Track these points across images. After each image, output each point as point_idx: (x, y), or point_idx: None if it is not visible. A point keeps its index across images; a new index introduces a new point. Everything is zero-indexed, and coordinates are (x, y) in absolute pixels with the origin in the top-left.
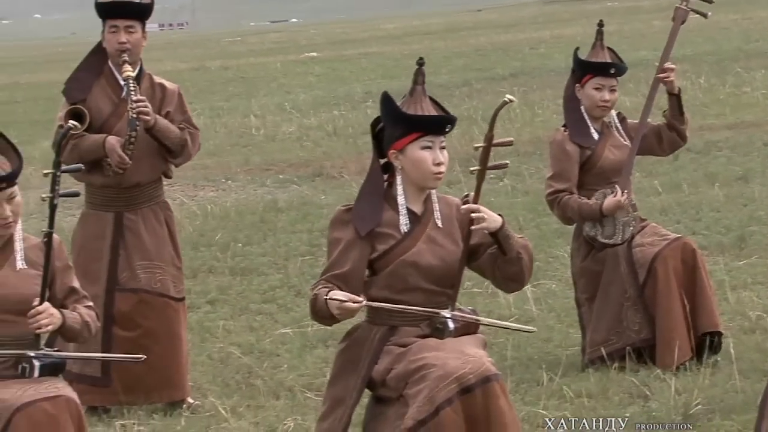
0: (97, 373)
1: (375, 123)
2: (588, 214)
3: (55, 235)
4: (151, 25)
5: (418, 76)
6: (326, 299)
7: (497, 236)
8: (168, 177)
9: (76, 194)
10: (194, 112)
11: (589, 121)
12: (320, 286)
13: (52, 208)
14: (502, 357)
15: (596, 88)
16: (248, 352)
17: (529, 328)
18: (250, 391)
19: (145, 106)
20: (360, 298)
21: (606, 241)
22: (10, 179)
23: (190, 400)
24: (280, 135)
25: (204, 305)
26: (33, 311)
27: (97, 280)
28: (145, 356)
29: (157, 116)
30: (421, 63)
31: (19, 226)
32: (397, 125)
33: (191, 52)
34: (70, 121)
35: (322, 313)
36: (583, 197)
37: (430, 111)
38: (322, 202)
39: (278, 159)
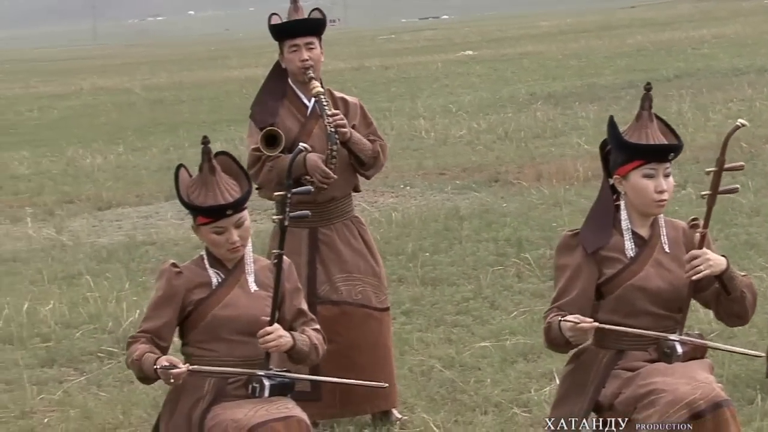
0: (307, 387)
1: (604, 144)
2: None
3: (285, 257)
4: None
5: (645, 101)
6: (559, 320)
7: (722, 279)
8: (357, 191)
9: (306, 216)
10: None
11: None
12: (552, 314)
13: (283, 230)
14: None
15: None
16: (449, 366)
17: (761, 354)
18: (456, 406)
19: (342, 119)
20: (590, 320)
21: None
22: (236, 206)
23: (397, 414)
24: (451, 138)
25: (399, 316)
26: (262, 331)
27: None
28: (387, 384)
29: (351, 129)
30: (648, 88)
31: (249, 248)
32: (620, 151)
33: (347, 50)
34: (301, 144)
35: (558, 341)
36: None
37: (656, 137)
38: (504, 210)
39: (451, 163)
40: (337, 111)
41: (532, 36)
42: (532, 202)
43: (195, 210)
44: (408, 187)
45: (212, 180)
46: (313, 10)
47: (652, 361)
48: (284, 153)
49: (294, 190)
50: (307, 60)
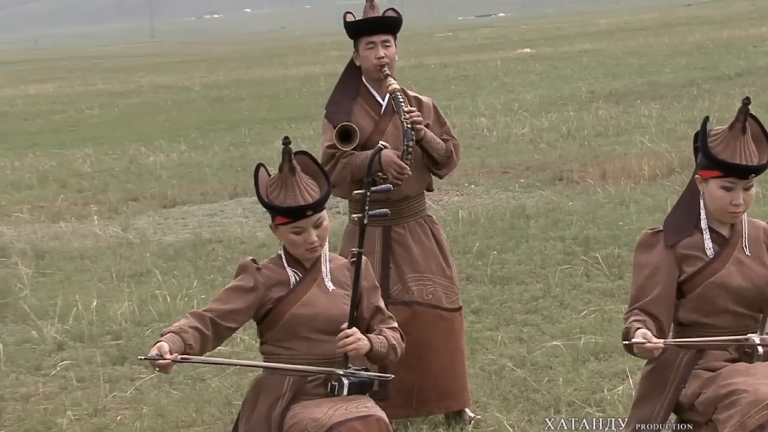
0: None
1: (696, 137)
2: None
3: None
4: None
5: (741, 114)
6: (634, 329)
7: None
8: (430, 190)
9: (385, 214)
10: None
11: None
12: (632, 318)
13: (362, 228)
14: None
15: None
16: (521, 365)
17: None
18: (529, 406)
19: (418, 116)
20: (657, 341)
21: None
22: (316, 207)
23: (470, 413)
24: (513, 137)
25: (468, 315)
26: (342, 334)
27: None
28: (393, 375)
29: (425, 128)
30: (746, 102)
31: (326, 247)
32: (704, 157)
33: (404, 47)
34: (381, 142)
35: (632, 349)
36: None
37: (744, 151)
38: (570, 209)
39: (514, 162)
40: (413, 108)
41: (589, 34)
42: (597, 200)
43: (274, 210)
44: (473, 186)
45: (292, 180)
46: (388, 9)
47: (733, 361)
48: (357, 150)
49: (373, 188)
50: (383, 57)
